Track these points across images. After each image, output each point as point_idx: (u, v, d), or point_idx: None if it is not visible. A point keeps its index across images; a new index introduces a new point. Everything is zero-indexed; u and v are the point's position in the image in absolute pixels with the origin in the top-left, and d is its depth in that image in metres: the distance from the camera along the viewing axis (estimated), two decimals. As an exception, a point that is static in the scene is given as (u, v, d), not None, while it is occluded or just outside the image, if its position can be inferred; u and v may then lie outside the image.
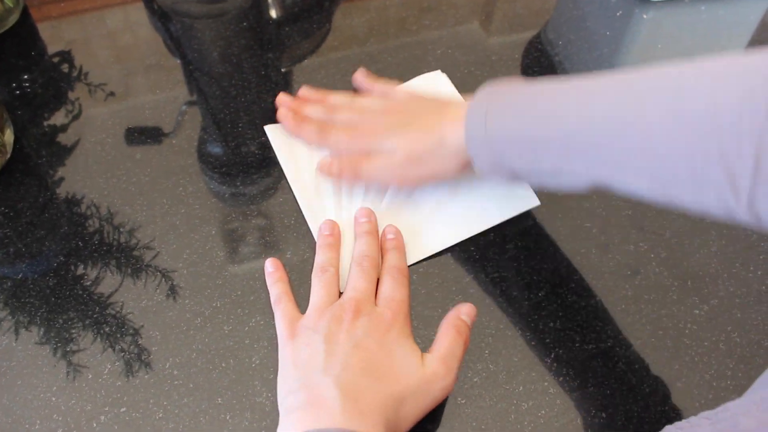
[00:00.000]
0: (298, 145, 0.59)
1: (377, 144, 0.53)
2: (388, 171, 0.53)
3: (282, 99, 0.61)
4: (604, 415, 0.45)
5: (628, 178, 0.42)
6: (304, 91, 0.61)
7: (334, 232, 0.52)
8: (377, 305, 0.47)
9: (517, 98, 0.47)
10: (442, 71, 0.66)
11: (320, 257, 0.51)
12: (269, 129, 0.61)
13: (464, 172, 0.51)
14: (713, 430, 0.36)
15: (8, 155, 0.58)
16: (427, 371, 0.43)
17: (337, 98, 0.59)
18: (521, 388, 0.46)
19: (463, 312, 0.46)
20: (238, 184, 0.57)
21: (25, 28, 0.70)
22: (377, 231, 0.53)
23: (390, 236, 0.52)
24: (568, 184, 0.46)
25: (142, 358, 0.47)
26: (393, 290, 0.48)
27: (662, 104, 0.40)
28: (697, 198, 0.39)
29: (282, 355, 0.45)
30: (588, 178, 0.44)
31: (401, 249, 0.52)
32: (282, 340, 0.46)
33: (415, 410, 0.43)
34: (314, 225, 0.54)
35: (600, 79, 0.44)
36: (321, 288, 0.49)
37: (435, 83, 0.64)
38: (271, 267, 0.51)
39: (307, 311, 0.47)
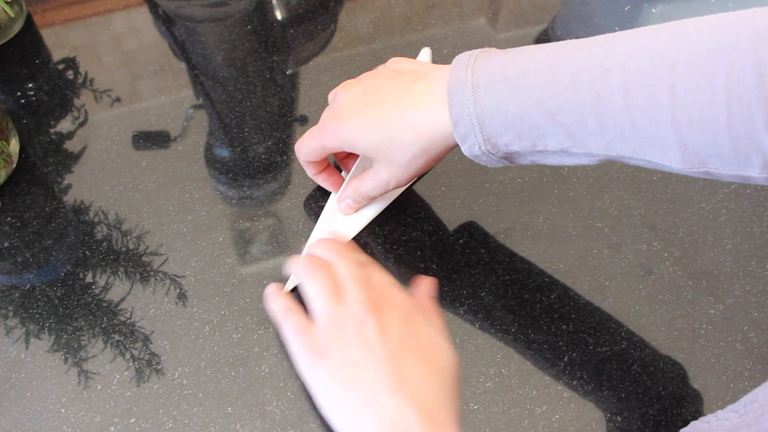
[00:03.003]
0: None
1: (343, 140, 0.47)
2: (386, 181, 0.48)
3: None
4: (619, 418, 0.45)
5: (655, 154, 0.38)
6: None
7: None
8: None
9: (507, 69, 0.41)
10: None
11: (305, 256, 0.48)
12: None
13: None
14: (741, 422, 0.35)
15: (14, 165, 0.57)
16: (452, 348, 0.43)
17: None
18: (534, 392, 0.46)
19: (424, 287, 0.47)
20: (245, 189, 0.57)
21: (29, 36, 0.69)
22: None
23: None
24: (572, 163, 0.42)
25: (151, 367, 0.47)
26: (382, 277, 0.46)
27: (692, 65, 0.35)
28: (740, 166, 0.36)
29: (315, 378, 0.41)
30: (601, 157, 0.40)
31: (356, 249, 0.50)
32: (307, 360, 0.42)
33: (458, 391, 0.42)
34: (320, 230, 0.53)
35: (605, 39, 0.39)
36: (320, 287, 0.44)
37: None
38: (271, 288, 0.47)
39: (319, 320, 0.43)
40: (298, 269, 0.47)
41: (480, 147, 0.43)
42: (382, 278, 0.46)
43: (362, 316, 0.42)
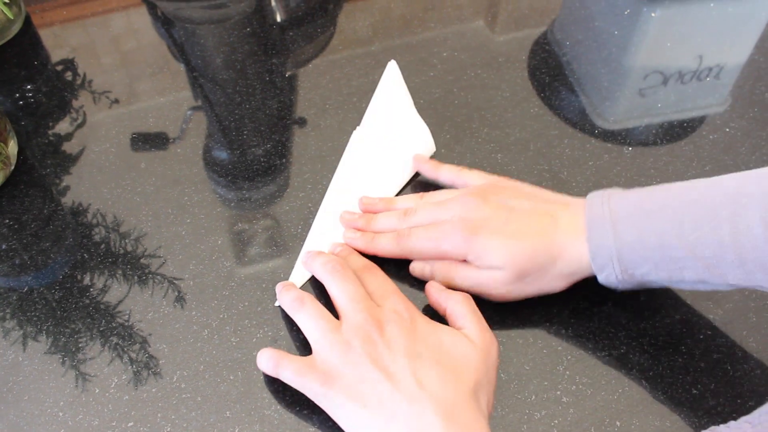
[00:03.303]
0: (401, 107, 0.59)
1: (473, 249, 0.47)
2: (488, 287, 0.48)
3: (346, 219, 0.53)
4: (618, 423, 0.45)
5: None
6: (365, 200, 0.54)
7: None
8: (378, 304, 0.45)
9: (645, 203, 0.44)
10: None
11: (287, 288, 0.48)
12: (394, 66, 0.62)
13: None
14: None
15: (12, 167, 0.57)
16: (477, 343, 0.43)
17: (408, 199, 0.53)
18: (533, 397, 0.46)
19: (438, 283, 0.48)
20: (244, 191, 0.57)
21: (28, 37, 0.69)
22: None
23: (338, 249, 0.51)
24: (706, 290, 0.44)
25: (150, 371, 0.47)
26: (379, 284, 0.46)
27: None
28: None
29: (332, 403, 0.41)
30: (739, 287, 0.42)
31: (354, 252, 0.50)
32: (319, 390, 0.42)
33: (491, 386, 0.43)
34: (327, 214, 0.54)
35: (735, 176, 0.41)
36: (314, 320, 0.44)
37: (392, 80, 0.61)
38: (261, 351, 0.46)
39: (321, 350, 0.43)
40: (286, 306, 0.47)
41: (616, 277, 0.45)
42: (380, 285, 0.46)
43: (364, 334, 0.42)
